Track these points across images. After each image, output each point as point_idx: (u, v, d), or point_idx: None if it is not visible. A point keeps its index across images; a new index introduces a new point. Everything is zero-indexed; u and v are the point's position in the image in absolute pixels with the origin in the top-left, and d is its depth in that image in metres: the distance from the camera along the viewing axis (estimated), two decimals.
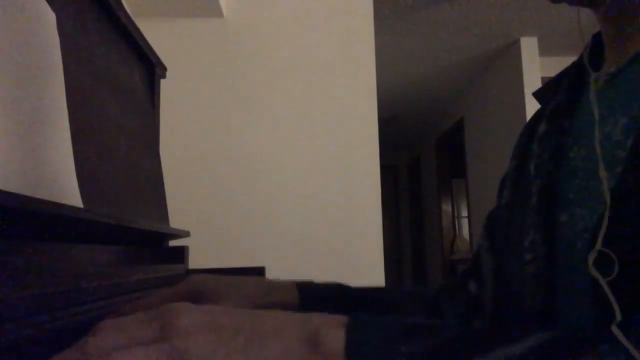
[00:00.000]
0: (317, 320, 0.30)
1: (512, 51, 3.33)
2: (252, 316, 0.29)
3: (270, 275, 1.16)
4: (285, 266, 1.72)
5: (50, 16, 0.54)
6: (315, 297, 0.51)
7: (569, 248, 0.40)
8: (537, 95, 0.57)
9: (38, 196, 0.42)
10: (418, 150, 6.02)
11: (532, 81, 3.17)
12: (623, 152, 0.38)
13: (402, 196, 6.51)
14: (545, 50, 3.26)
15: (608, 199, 0.35)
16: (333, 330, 0.28)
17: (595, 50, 0.51)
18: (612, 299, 0.32)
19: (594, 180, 0.39)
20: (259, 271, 1.09)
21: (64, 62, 0.56)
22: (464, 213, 5.14)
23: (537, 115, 0.55)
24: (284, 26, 1.90)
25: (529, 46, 3.23)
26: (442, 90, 4.28)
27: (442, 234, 5.05)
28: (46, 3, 0.54)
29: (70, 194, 0.52)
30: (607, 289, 0.32)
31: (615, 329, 0.28)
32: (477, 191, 4.05)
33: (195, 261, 1.02)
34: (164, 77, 1.09)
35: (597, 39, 0.51)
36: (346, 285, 0.55)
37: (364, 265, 1.76)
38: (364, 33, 1.90)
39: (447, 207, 5.14)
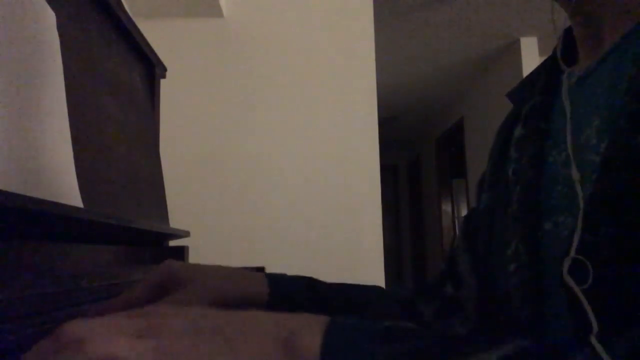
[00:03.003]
0: (294, 323, 0.30)
1: (512, 51, 3.33)
2: (232, 319, 0.30)
3: None
4: (285, 266, 1.72)
5: (50, 16, 0.54)
6: (285, 290, 0.50)
7: (553, 257, 0.39)
8: (511, 95, 0.55)
9: (38, 196, 0.42)
10: (418, 150, 6.02)
11: None
12: (597, 156, 0.37)
13: (402, 196, 6.50)
14: (545, 50, 3.25)
15: (581, 203, 0.34)
16: (310, 333, 0.28)
17: (568, 45, 0.49)
18: (587, 307, 0.32)
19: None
20: (259, 271, 1.09)
21: (64, 62, 0.56)
22: (464, 213, 5.13)
23: (512, 116, 0.53)
24: (284, 26, 1.90)
25: (529, 46, 3.23)
26: (442, 90, 4.28)
27: (442, 234, 5.05)
28: (46, 3, 0.54)
29: (70, 194, 0.52)
30: (582, 298, 0.32)
31: (594, 340, 0.27)
32: None
33: (195, 261, 1.02)
34: (164, 77, 1.09)
35: (569, 34, 0.50)
36: (318, 280, 0.54)
37: (364, 265, 1.76)
38: (364, 33, 1.90)
39: (447, 207, 5.14)
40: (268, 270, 1.14)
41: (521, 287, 0.41)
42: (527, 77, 0.54)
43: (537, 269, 0.40)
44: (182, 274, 0.45)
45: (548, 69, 0.50)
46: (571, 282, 0.33)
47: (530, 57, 3.21)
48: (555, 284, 0.38)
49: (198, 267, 0.48)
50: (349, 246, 1.77)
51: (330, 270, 1.73)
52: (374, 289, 0.57)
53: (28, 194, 0.42)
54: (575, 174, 0.37)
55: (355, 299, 0.54)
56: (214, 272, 0.48)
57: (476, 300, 0.52)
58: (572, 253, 0.34)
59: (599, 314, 0.32)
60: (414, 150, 6.19)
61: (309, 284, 0.53)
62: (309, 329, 0.29)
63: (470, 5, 2.75)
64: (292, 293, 0.50)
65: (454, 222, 5.20)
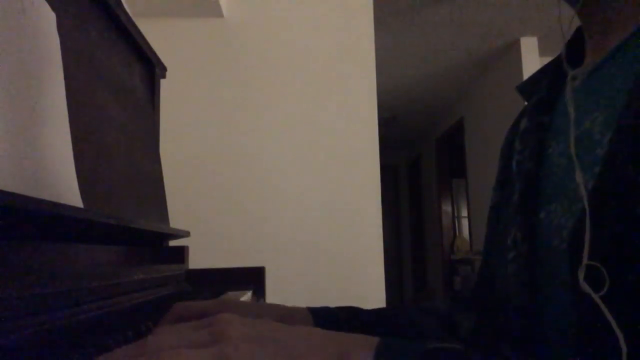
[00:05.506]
0: (348, 340, 0.32)
1: (512, 51, 3.33)
2: (292, 332, 0.32)
3: (270, 275, 1.16)
4: (285, 266, 1.72)
5: (50, 16, 0.54)
6: (329, 321, 0.52)
7: (546, 246, 0.40)
8: (521, 89, 0.56)
9: (38, 196, 0.42)
10: (418, 150, 6.02)
11: None
12: (602, 150, 0.37)
13: (402, 196, 6.50)
14: (545, 50, 3.25)
15: (587, 205, 0.34)
16: (363, 351, 0.30)
17: (578, 43, 0.50)
18: (609, 317, 0.30)
19: (569, 176, 0.39)
20: (259, 271, 1.09)
21: (64, 62, 0.56)
22: (464, 213, 5.13)
23: (521, 112, 0.55)
24: (284, 26, 1.90)
25: (529, 46, 3.23)
26: (442, 90, 4.28)
27: (442, 234, 5.05)
28: (46, 3, 0.54)
29: (70, 194, 0.52)
30: (602, 307, 0.31)
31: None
32: (477, 191, 4.04)
33: (195, 261, 1.02)
34: (164, 77, 1.09)
35: (579, 33, 0.51)
36: (359, 308, 0.56)
37: (364, 265, 1.76)
38: (364, 33, 1.90)
39: (447, 207, 5.14)
40: (268, 270, 1.14)
41: (518, 274, 0.42)
42: (537, 72, 0.55)
43: (533, 257, 0.41)
44: (233, 309, 0.46)
45: (555, 66, 0.51)
46: (588, 289, 0.32)
47: (530, 57, 3.21)
48: (548, 274, 0.39)
49: (246, 305, 0.50)
50: (349, 246, 1.77)
51: (331, 270, 1.73)
52: (413, 308, 0.59)
53: (28, 194, 0.42)
54: (578, 177, 0.37)
55: (395, 321, 0.56)
56: (260, 309, 0.49)
57: (479, 294, 0.52)
58: (585, 259, 0.33)
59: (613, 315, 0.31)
60: (414, 150, 6.19)
61: (351, 311, 0.55)
62: (362, 347, 0.31)
63: (470, 5, 2.75)
64: (334, 323, 0.52)
65: (454, 222, 5.20)
